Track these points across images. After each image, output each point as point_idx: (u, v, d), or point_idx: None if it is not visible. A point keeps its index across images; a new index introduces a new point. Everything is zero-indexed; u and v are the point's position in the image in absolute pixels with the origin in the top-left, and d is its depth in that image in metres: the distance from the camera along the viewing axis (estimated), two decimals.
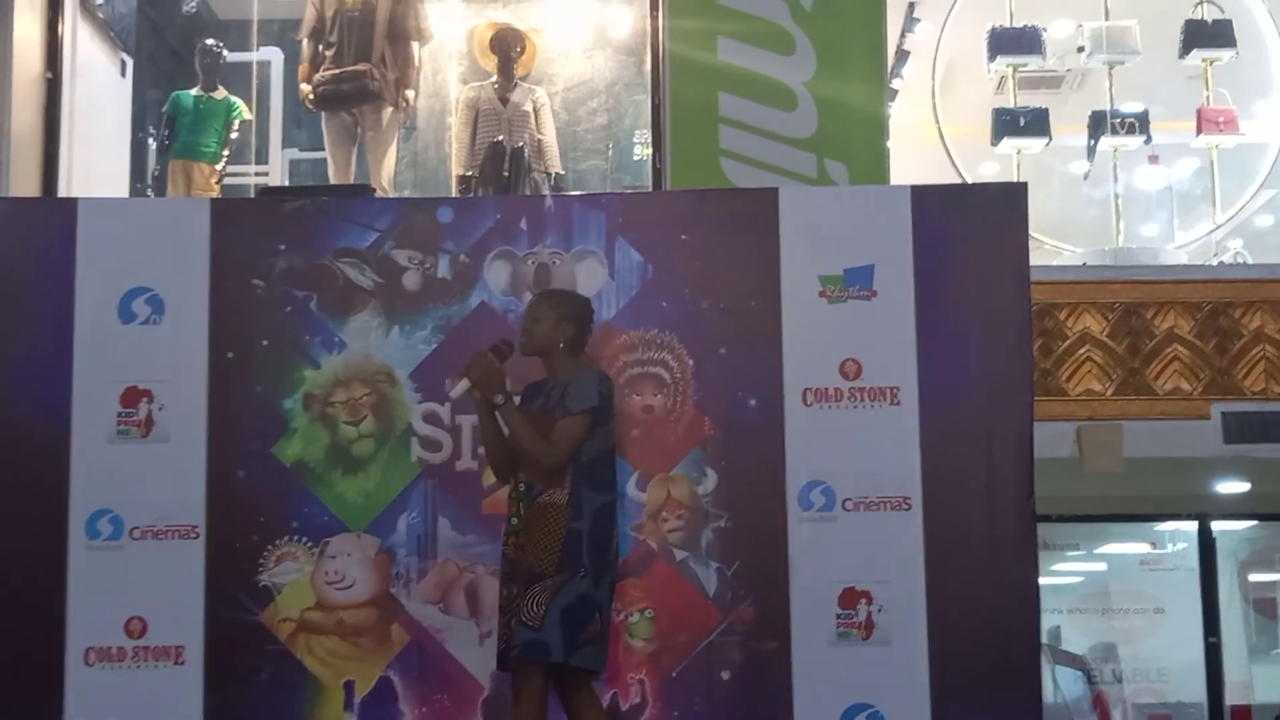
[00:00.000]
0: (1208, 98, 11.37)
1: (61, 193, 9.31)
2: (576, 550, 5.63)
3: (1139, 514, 11.06)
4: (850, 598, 6.19)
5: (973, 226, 6.49)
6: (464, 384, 5.72)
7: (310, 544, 6.26)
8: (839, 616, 6.17)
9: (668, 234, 6.47)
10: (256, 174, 10.75)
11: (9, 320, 6.38)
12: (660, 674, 6.19)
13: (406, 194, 10.02)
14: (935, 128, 11.86)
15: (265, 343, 6.39)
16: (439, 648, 6.20)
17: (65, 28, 9.57)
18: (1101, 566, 11.67)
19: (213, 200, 8.08)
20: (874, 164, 9.04)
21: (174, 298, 6.39)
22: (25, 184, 9.12)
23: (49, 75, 9.46)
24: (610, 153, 10.87)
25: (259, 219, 6.59)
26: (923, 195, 6.54)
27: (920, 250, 6.39)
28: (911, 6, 11.23)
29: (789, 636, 6.17)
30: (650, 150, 9.72)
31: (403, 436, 6.33)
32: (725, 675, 6.18)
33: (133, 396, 6.32)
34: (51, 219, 6.56)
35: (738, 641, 6.20)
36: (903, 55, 11.23)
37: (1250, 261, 10.69)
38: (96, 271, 6.39)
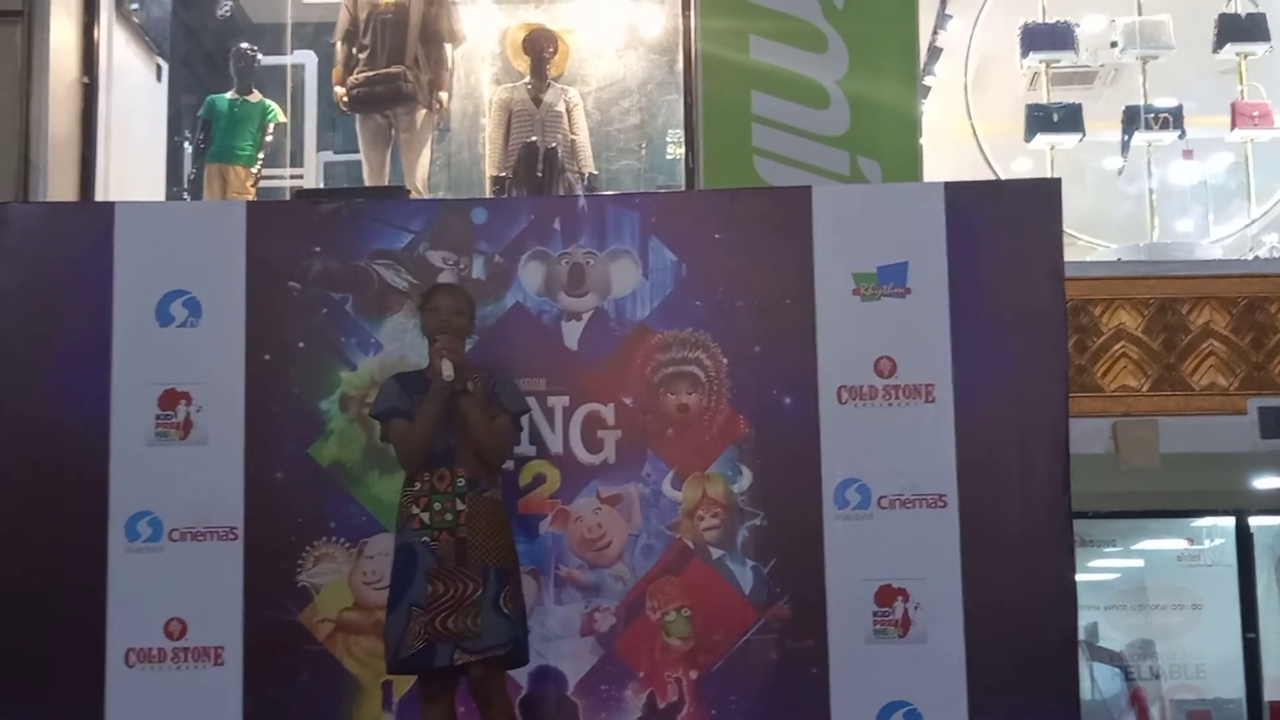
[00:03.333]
0: (1242, 92, 11.32)
1: (98, 197, 9.35)
2: (514, 546, 5.73)
3: (1176, 510, 11.00)
4: (887, 595, 6.19)
5: (1006, 223, 6.48)
6: (450, 368, 5.72)
7: (348, 544, 6.29)
8: (875, 614, 6.18)
9: (701, 233, 6.48)
10: (291, 177, 10.79)
11: (48, 323, 6.43)
12: (697, 672, 6.20)
13: (441, 195, 10.04)
14: (968, 125, 11.83)
15: (302, 344, 6.42)
16: None
17: (101, 33, 9.61)
18: (1139, 563, 11.61)
19: (248, 203, 8.09)
20: (907, 161, 9.02)
21: (211, 300, 6.42)
22: (62, 188, 9.17)
23: (85, 80, 9.51)
24: (643, 152, 10.87)
25: (294, 221, 6.62)
26: (956, 192, 6.54)
27: (954, 247, 6.38)
28: (943, 3, 11.19)
29: (825, 634, 6.18)
30: (683, 149, 9.72)
31: None
32: (762, 674, 6.18)
33: (171, 399, 6.36)
34: (89, 223, 6.61)
35: (774, 639, 6.21)
36: (935, 52, 11.19)
37: None
38: (134, 275, 6.44)
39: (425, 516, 5.64)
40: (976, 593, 6.17)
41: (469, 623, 5.52)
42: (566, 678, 6.20)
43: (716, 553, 6.29)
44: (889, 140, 9.07)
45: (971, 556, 6.19)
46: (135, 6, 10.17)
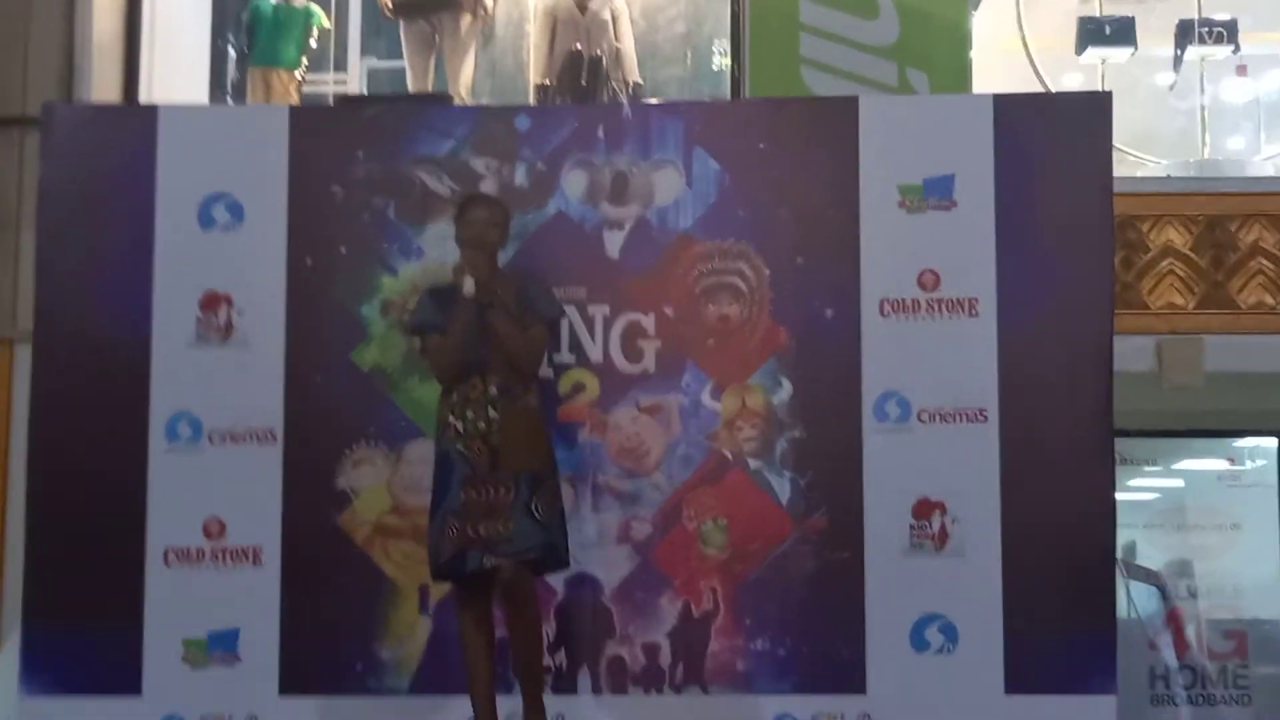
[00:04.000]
0: None
1: (142, 100, 9.34)
2: (553, 452, 5.73)
3: (1218, 429, 10.94)
4: (924, 509, 6.18)
5: (1056, 137, 6.41)
6: (471, 284, 5.69)
7: (387, 449, 6.31)
8: (912, 527, 6.17)
9: (746, 143, 6.44)
10: (335, 82, 10.75)
11: (91, 226, 6.45)
12: (732, 582, 6.22)
13: (484, 102, 9.99)
14: (1019, 37, 11.67)
15: (343, 249, 6.42)
16: None
17: None
18: (1179, 482, 11.57)
19: (292, 108, 8.10)
20: (956, 74, 8.92)
21: (253, 204, 6.43)
22: (107, 92, 9.16)
23: None
24: (688, 62, 10.78)
25: (338, 126, 6.61)
26: (1005, 104, 6.47)
27: (1002, 160, 6.32)
28: None
29: (862, 546, 6.18)
30: (729, 59, 9.64)
31: None
32: (797, 584, 6.19)
33: (212, 301, 6.38)
34: (133, 126, 6.61)
35: (810, 551, 6.22)
36: None
37: None
38: (177, 178, 6.44)
39: (459, 425, 5.65)
40: (1015, 508, 6.16)
41: (499, 527, 5.53)
42: (602, 584, 6.23)
43: (754, 464, 6.29)
44: (938, 52, 8.97)
45: (1011, 471, 6.17)
46: None
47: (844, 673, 6.12)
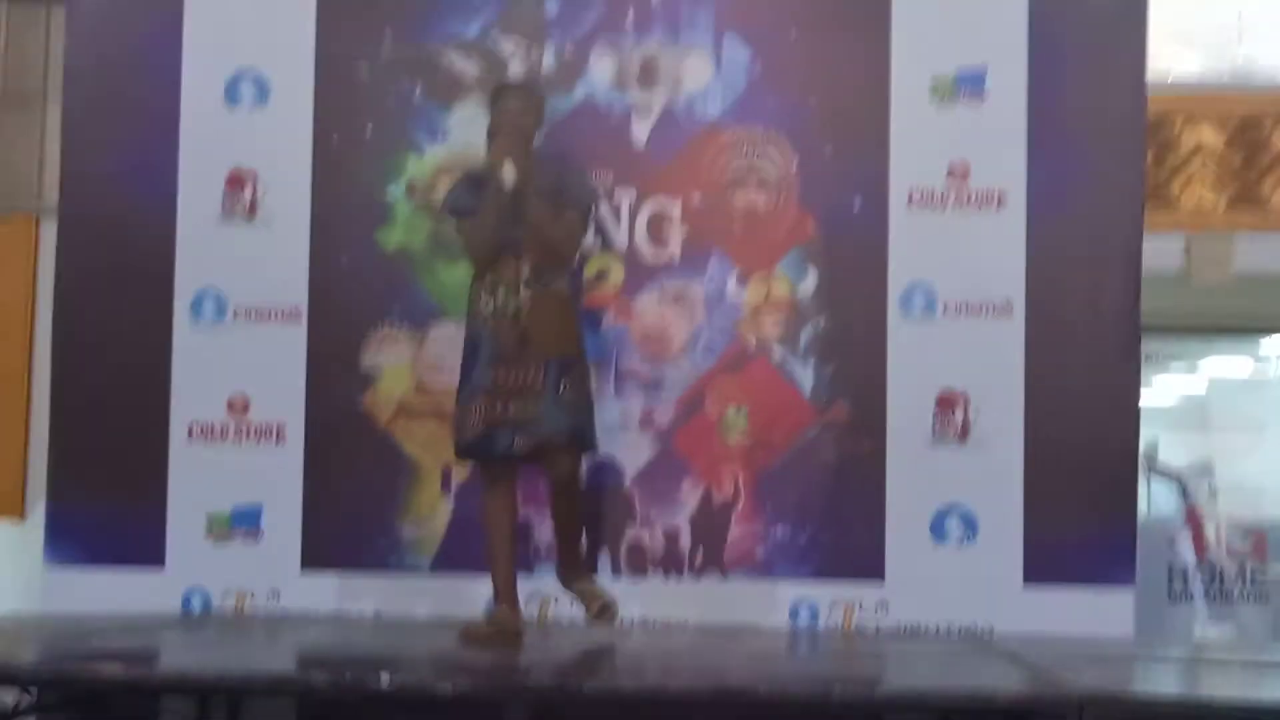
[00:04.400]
0: None
1: None
2: (583, 337, 5.72)
3: (1245, 327, 10.88)
4: (948, 401, 6.18)
5: (1091, 31, 6.33)
6: (511, 173, 5.62)
7: (411, 329, 6.32)
8: (935, 418, 6.17)
9: (777, 30, 6.37)
10: None
11: (117, 102, 6.43)
12: (754, 470, 6.23)
13: None
14: None
15: (370, 129, 6.40)
16: None
17: None
18: (1204, 382, 11.54)
19: None
20: None
21: (280, 81, 6.41)
22: None
23: None
24: None
25: (365, 3, 6.54)
26: None
27: (1036, 53, 6.26)
28: None
29: (884, 436, 6.19)
30: None
31: None
32: (818, 473, 6.21)
33: (238, 179, 6.37)
34: (159, 1, 6.55)
35: (832, 440, 6.22)
36: None
37: None
38: (203, 54, 6.42)
39: (489, 306, 5.62)
40: (1038, 402, 6.15)
41: (528, 409, 5.52)
42: (624, 470, 6.24)
43: (778, 352, 6.28)
44: None
45: (1035, 366, 6.16)
46: None
47: (863, 561, 6.14)
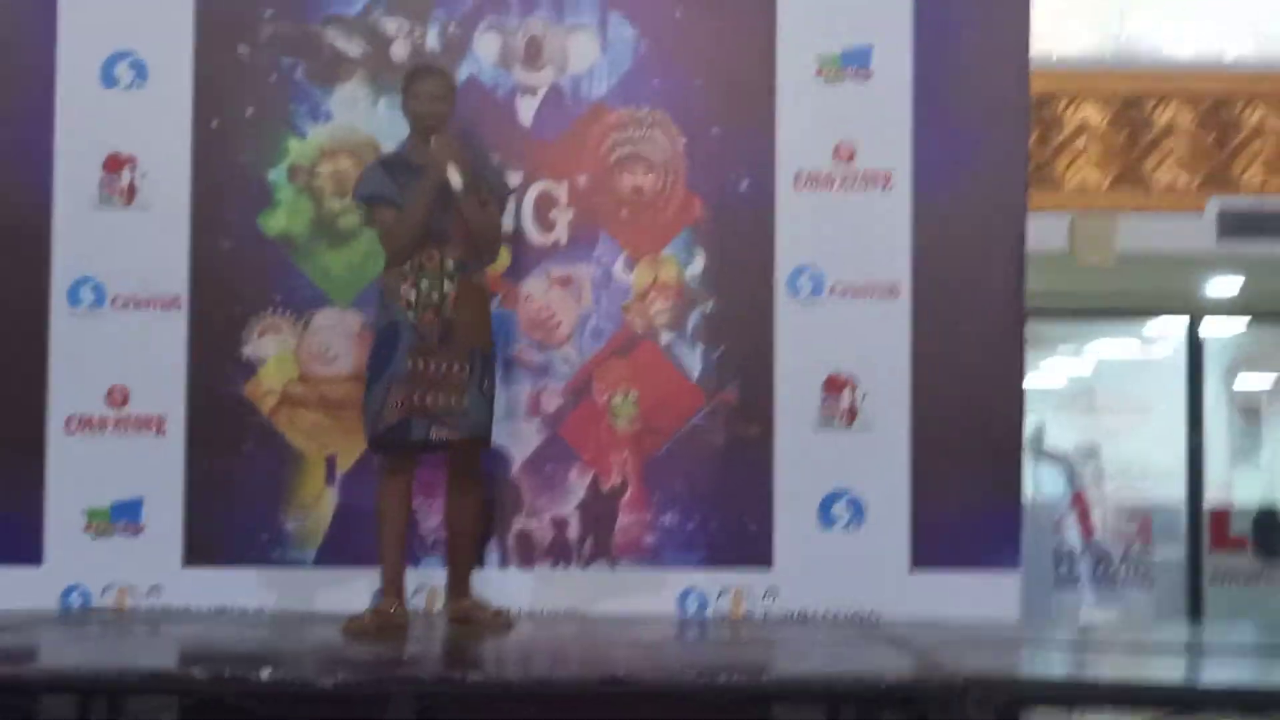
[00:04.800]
0: None
1: None
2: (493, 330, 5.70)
3: (1129, 308, 11.01)
4: (834, 384, 6.18)
5: (975, 9, 6.36)
6: (458, 177, 5.56)
7: (294, 317, 6.22)
8: (822, 402, 6.17)
9: (663, 9, 6.33)
10: None
11: None
12: (642, 456, 6.20)
13: None
14: None
15: (250, 111, 6.28)
16: None
17: None
18: (1091, 364, 11.67)
19: None
20: None
21: (158, 62, 6.27)
22: None
23: None
24: None
25: None
26: None
27: (920, 32, 6.27)
28: None
29: (772, 421, 6.18)
30: None
31: None
32: (707, 458, 6.18)
33: (115, 163, 6.23)
34: None
35: (721, 424, 6.21)
36: None
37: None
38: (79, 33, 6.27)
39: (411, 295, 5.55)
40: (925, 385, 6.17)
41: (451, 401, 5.48)
42: (511, 458, 6.19)
43: (666, 336, 6.25)
44: None
45: (921, 348, 6.18)
46: None
47: (751, 547, 6.14)
